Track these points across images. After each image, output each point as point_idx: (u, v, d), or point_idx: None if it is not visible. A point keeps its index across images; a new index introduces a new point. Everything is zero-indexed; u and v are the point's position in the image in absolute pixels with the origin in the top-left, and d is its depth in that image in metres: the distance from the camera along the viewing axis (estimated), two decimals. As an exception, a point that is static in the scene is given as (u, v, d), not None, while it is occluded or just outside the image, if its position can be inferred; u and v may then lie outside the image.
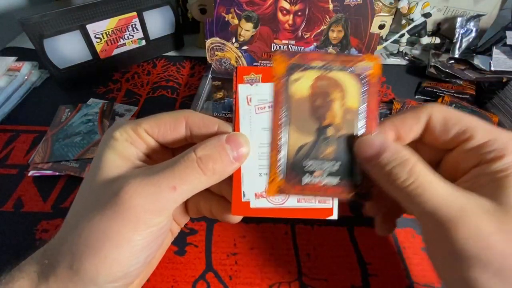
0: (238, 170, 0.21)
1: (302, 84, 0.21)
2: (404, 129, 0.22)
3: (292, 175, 0.21)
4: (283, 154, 0.21)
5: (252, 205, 0.21)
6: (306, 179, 0.21)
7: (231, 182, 0.21)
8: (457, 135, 0.21)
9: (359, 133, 0.21)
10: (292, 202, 0.21)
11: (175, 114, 0.22)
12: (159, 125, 0.22)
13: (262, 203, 0.21)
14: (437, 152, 0.23)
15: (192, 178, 0.19)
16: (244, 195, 0.21)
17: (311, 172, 0.21)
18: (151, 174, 0.19)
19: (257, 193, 0.21)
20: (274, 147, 0.21)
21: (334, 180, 0.21)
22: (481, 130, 0.20)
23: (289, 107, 0.21)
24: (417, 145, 0.23)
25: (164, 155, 0.23)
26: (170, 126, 0.22)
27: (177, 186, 0.19)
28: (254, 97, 0.21)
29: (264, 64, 0.50)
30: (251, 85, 0.21)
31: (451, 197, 0.18)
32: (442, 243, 0.18)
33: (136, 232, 0.18)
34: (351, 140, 0.21)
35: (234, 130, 0.21)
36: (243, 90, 0.21)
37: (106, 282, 0.18)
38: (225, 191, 0.23)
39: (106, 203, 0.18)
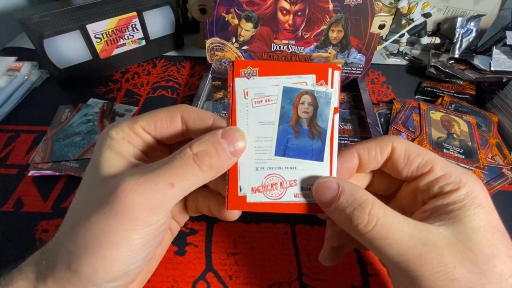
0: (235, 165, 0.21)
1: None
2: (368, 158, 0.22)
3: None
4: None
5: (248, 200, 0.21)
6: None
7: (226, 178, 0.21)
8: (419, 167, 0.21)
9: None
10: (289, 197, 0.21)
11: (171, 108, 0.22)
12: (155, 121, 0.22)
13: (259, 198, 0.21)
14: (394, 182, 0.23)
15: (189, 174, 0.19)
16: (240, 190, 0.21)
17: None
18: (148, 171, 0.19)
19: (253, 188, 0.21)
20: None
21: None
22: (439, 163, 0.21)
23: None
24: (374, 174, 0.24)
25: (162, 152, 0.23)
26: (166, 120, 0.22)
27: (174, 182, 0.19)
28: (251, 90, 0.21)
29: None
30: (248, 78, 0.21)
31: (413, 233, 0.18)
32: (410, 283, 0.18)
33: (134, 230, 0.18)
34: None
35: (230, 125, 0.21)
36: (240, 84, 0.21)
37: (105, 281, 0.18)
38: (221, 188, 0.23)
39: (103, 201, 0.18)
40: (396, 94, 0.52)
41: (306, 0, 0.44)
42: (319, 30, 0.46)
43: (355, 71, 0.49)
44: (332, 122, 0.21)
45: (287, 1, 0.44)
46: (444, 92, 0.51)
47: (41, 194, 0.36)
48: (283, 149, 0.21)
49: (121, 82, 0.53)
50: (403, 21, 0.58)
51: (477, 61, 0.51)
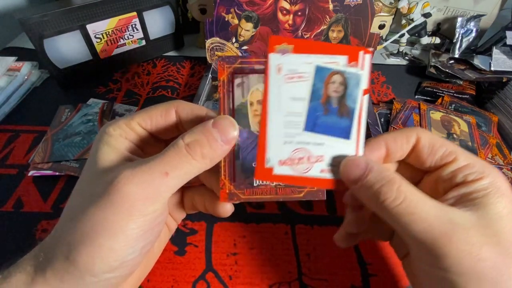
0: (263, 138, 0.21)
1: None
2: (395, 148, 0.23)
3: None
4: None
5: (275, 172, 0.22)
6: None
7: (218, 174, 0.22)
8: (443, 156, 0.22)
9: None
10: (315, 172, 0.21)
11: (166, 104, 0.23)
12: (151, 116, 0.22)
13: (285, 171, 0.22)
14: (417, 173, 0.24)
15: (183, 164, 0.19)
16: (268, 161, 0.21)
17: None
18: (143, 163, 0.19)
19: (281, 160, 0.21)
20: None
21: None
22: (463, 154, 0.22)
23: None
24: (398, 166, 0.25)
25: (158, 148, 0.24)
26: (161, 115, 0.22)
27: (168, 171, 0.19)
28: (284, 66, 0.21)
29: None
30: (282, 54, 0.21)
31: (440, 212, 0.19)
32: (435, 261, 0.19)
33: (131, 220, 0.18)
34: None
35: (220, 114, 0.22)
36: (274, 59, 0.21)
37: (102, 272, 0.19)
38: (214, 186, 0.23)
39: (100, 193, 0.18)
40: (396, 94, 0.52)
41: (306, 0, 0.44)
42: (319, 30, 0.46)
43: None
44: (361, 103, 0.21)
45: (287, 1, 0.44)
46: (444, 92, 0.51)
47: (41, 194, 0.36)
48: (313, 125, 0.21)
49: (121, 82, 0.53)
50: (403, 21, 0.58)
51: (477, 61, 0.51)
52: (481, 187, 0.20)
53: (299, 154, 0.22)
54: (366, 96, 0.22)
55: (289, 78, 0.21)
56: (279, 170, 0.21)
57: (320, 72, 0.21)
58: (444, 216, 0.19)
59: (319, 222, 0.34)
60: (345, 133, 0.22)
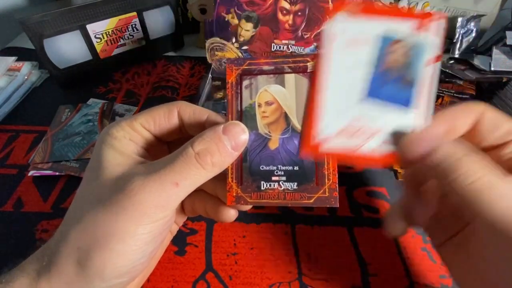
0: (314, 108, 0.20)
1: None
2: (458, 123, 0.20)
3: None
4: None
5: (327, 145, 0.20)
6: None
7: (225, 181, 0.22)
8: (503, 135, 0.19)
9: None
10: (372, 146, 0.20)
11: (168, 105, 0.23)
12: (154, 117, 0.22)
13: (340, 143, 0.20)
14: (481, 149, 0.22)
15: (192, 173, 0.19)
16: (321, 132, 0.20)
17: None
18: (153, 171, 0.19)
19: (337, 131, 0.20)
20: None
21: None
22: None
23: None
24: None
25: (161, 150, 0.24)
26: (164, 116, 0.22)
27: (178, 182, 0.19)
28: (345, 31, 0.20)
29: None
30: (344, 19, 0.20)
31: None
32: (509, 249, 0.17)
33: (142, 225, 0.19)
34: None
35: (230, 119, 0.22)
36: (335, 24, 0.20)
37: (112, 276, 0.19)
38: (220, 193, 0.23)
39: (112, 199, 0.19)
40: (396, 94, 0.52)
41: (306, 0, 0.43)
42: (319, 30, 0.46)
43: None
44: (426, 73, 0.19)
45: (287, 1, 0.44)
46: (444, 92, 0.51)
47: (41, 194, 0.36)
48: (372, 94, 0.20)
49: (121, 82, 0.53)
50: (403, 21, 0.58)
51: (477, 61, 0.51)
52: None
53: (356, 125, 0.20)
54: (433, 66, 0.19)
55: (349, 45, 0.20)
56: (332, 143, 0.20)
57: (383, 39, 0.19)
58: None
59: (319, 222, 0.34)
60: (406, 104, 0.19)
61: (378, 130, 0.20)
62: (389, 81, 0.20)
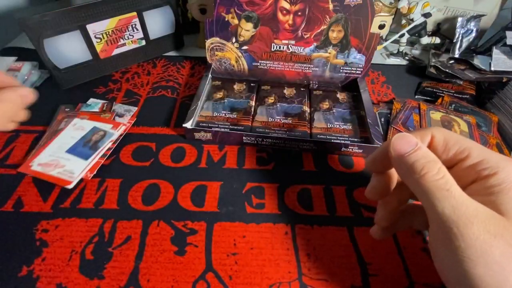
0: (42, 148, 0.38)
1: None
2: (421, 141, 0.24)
3: None
4: None
5: (32, 168, 0.38)
6: None
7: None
8: (457, 153, 0.23)
9: None
10: (55, 172, 0.37)
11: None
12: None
13: (40, 168, 0.39)
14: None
15: None
16: (34, 162, 0.37)
17: None
18: None
19: (42, 163, 0.40)
20: None
21: None
22: (476, 149, 0.23)
23: None
24: None
25: None
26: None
27: None
28: (77, 124, 0.40)
29: (264, 64, 0.50)
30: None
31: (469, 200, 0.20)
32: (453, 239, 0.20)
33: None
34: None
35: None
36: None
37: None
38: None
39: None
40: (396, 94, 0.52)
41: (306, 0, 0.43)
42: (319, 30, 0.46)
43: (355, 71, 0.49)
44: (106, 147, 0.42)
45: (287, 1, 0.44)
46: (444, 92, 0.51)
47: (41, 194, 0.36)
48: (70, 151, 0.40)
49: (121, 82, 0.53)
50: (403, 21, 0.58)
51: (477, 61, 0.51)
52: (495, 182, 0.21)
53: (53, 162, 0.37)
54: (110, 144, 0.40)
55: (76, 128, 0.41)
56: (36, 167, 0.36)
57: (92, 128, 0.41)
58: (474, 204, 0.20)
59: (319, 222, 0.34)
60: (86, 158, 0.38)
61: (63, 165, 0.37)
62: (83, 147, 0.39)
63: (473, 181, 0.23)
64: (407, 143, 0.23)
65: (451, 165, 0.24)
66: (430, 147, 0.24)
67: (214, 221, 0.34)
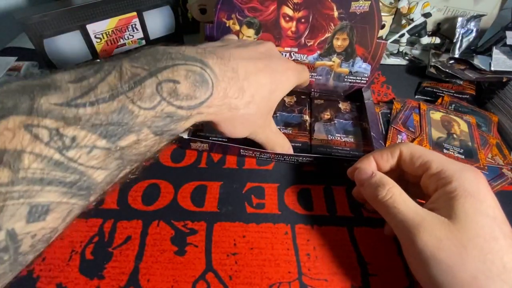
0: None
1: None
2: (381, 162, 0.30)
3: None
4: None
5: None
6: None
7: None
8: (421, 165, 0.27)
9: None
10: None
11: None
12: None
13: None
14: (415, 177, 0.29)
15: None
16: None
17: None
18: None
19: None
20: None
21: None
22: (436, 161, 0.26)
23: None
24: (401, 172, 0.30)
25: None
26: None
27: None
28: None
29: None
30: None
31: (416, 210, 0.24)
32: (410, 246, 0.24)
33: None
34: None
35: None
36: None
37: None
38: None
39: None
40: (396, 94, 0.52)
41: (310, 6, 0.42)
42: (323, 38, 0.44)
43: (359, 81, 0.47)
44: None
45: (290, 8, 0.42)
46: (444, 92, 0.51)
47: (41, 194, 0.35)
48: None
49: (121, 82, 0.53)
50: (403, 21, 0.58)
51: (477, 61, 0.51)
52: (449, 190, 0.24)
53: None
54: None
55: None
56: None
57: None
58: (418, 214, 0.24)
59: (319, 222, 0.34)
60: None
61: None
62: None
63: (435, 189, 0.26)
64: (364, 174, 0.29)
65: (420, 175, 0.28)
66: (400, 160, 0.29)
67: (214, 221, 0.34)
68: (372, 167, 0.30)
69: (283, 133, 0.40)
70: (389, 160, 0.29)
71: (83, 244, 0.31)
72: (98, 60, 0.23)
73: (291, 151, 0.38)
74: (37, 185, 0.16)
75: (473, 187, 0.24)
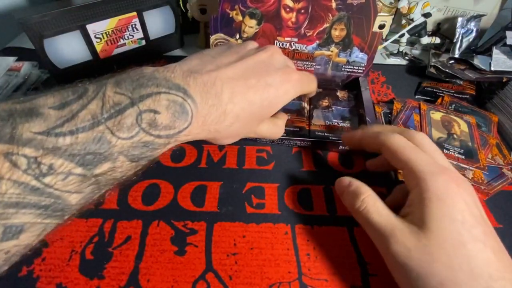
0: None
1: None
2: (368, 145, 0.32)
3: None
4: None
5: None
6: None
7: None
8: (399, 162, 0.28)
9: None
10: None
11: None
12: None
13: None
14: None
15: None
16: None
17: None
18: None
19: None
20: None
21: None
22: (412, 161, 0.27)
23: None
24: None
25: None
26: None
27: None
28: None
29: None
30: None
31: (388, 219, 0.26)
32: (385, 253, 0.26)
33: None
34: None
35: None
36: None
37: None
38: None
39: None
40: (396, 94, 0.52)
41: (309, -2, 0.44)
42: (321, 28, 0.46)
43: (357, 70, 0.49)
44: None
45: (291, -1, 0.44)
46: (444, 92, 0.51)
47: (41, 194, 0.35)
48: None
49: (121, 82, 0.53)
50: (403, 21, 0.58)
51: (477, 61, 0.51)
52: (419, 193, 0.25)
53: None
54: None
55: None
56: None
57: None
58: (392, 222, 0.25)
59: (319, 222, 0.34)
60: None
61: None
62: None
63: (411, 188, 0.27)
64: (342, 183, 0.31)
65: (400, 169, 0.29)
66: (382, 150, 0.30)
67: (214, 221, 0.34)
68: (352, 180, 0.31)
69: None
70: (371, 146, 0.31)
71: (83, 244, 0.31)
72: (84, 81, 0.23)
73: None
74: (12, 208, 0.17)
75: (443, 191, 0.24)
